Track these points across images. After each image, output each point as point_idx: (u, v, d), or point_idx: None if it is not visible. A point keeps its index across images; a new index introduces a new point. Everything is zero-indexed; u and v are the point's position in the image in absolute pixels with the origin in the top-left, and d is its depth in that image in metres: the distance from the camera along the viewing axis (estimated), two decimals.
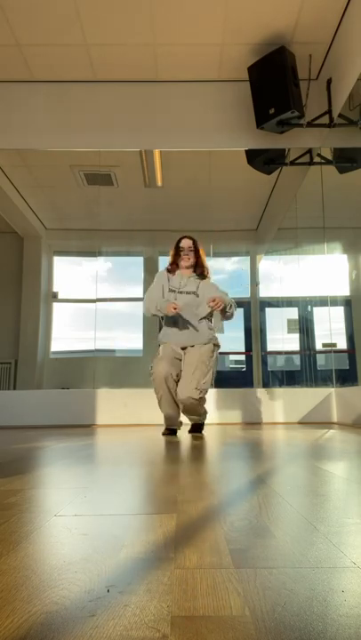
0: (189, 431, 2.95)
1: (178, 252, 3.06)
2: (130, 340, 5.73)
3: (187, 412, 2.87)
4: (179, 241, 3.09)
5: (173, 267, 3.07)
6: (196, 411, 2.84)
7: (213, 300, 2.74)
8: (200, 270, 3.04)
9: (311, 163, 4.37)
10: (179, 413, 2.88)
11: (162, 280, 3.04)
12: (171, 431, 2.88)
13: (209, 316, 2.97)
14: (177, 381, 2.82)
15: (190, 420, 2.97)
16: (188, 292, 2.97)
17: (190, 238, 3.09)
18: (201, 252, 3.09)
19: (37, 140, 4.28)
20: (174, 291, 2.99)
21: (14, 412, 3.96)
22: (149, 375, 2.89)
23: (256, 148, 4.26)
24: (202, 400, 2.78)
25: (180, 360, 2.86)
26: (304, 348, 5.35)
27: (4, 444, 2.46)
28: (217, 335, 3.00)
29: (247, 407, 3.95)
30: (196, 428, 2.96)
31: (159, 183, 4.98)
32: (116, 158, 4.61)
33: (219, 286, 3.07)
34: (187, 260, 3.02)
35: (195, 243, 3.08)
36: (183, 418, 2.92)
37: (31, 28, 3.67)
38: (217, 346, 2.95)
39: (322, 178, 4.32)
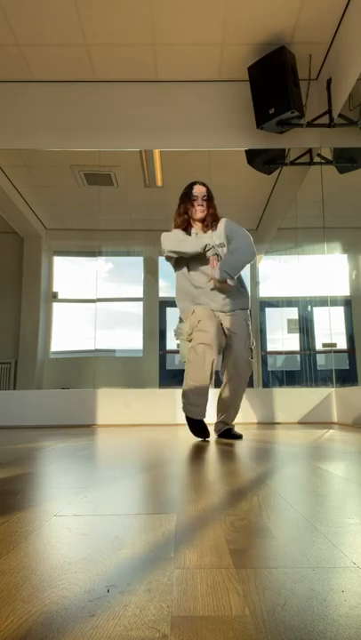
0: (221, 435, 2.57)
1: (190, 200, 2.58)
2: (130, 339, 5.73)
3: (235, 392, 2.54)
4: (190, 187, 2.62)
5: (185, 222, 2.59)
6: (245, 383, 2.56)
7: (213, 278, 2.44)
8: (210, 223, 2.60)
9: (311, 163, 4.37)
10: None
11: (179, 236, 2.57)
12: (202, 427, 2.48)
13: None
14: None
15: (224, 417, 2.59)
16: (218, 247, 2.53)
17: (204, 185, 2.63)
18: (214, 203, 2.65)
19: (37, 140, 4.28)
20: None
21: (14, 412, 3.96)
22: (183, 342, 2.55)
23: (256, 147, 4.26)
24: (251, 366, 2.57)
25: (222, 330, 2.53)
26: (304, 348, 5.35)
27: (3, 444, 2.46)
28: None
29: (247, 407, 3.94)
30: (229, 433, 2.56)
31: (159, 183, 4.98)
32: (116, 158, 4.61)
33: (236, 226, 2.59)
34: (201, 212, 2.57)
35: (209, 190, 2.63)
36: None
37: (31, 28, 3.67)
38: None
39: (322, 178, 4.32)
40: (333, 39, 3.76)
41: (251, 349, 2.58)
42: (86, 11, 3.50)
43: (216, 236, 2.58)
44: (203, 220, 2.63)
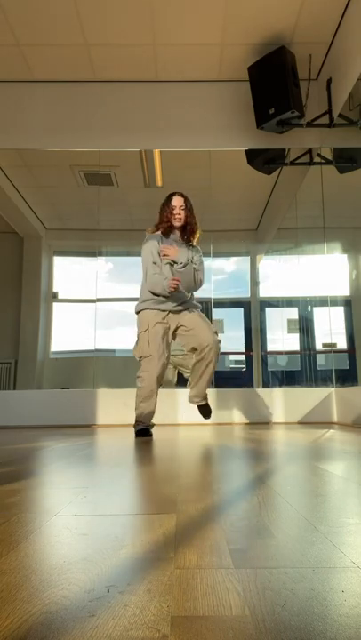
0: (202, 415, 2.99)
1: (169, 209, 2.85)
2: (130, 339, 5.73)
3: (205, 375, 2.83)
4: (169, 198, 2.88)
5: (166, 229, 2.86)
6: (213, 367, 2.83)
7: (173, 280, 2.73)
8: (189, 234, 2.89)
9: (311, 163, 4.37)
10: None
11: (154, 250, 2.86)
12: (146, 431, 2.81)
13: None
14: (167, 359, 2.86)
15: (197, 400, 2.94)
16: (184, 265, 2.86)
17: (182, 195, 2.89)
18: (192, 213, 2.92)
19: (37, 140, 4.28)
20: (172, 264, 2.87)
21: (14, 412, 3.96)
22: (138, 364, 2.85)
23: (256, 147, 4.26)
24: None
25: (169, 332, 2.85)
26: (304, 348, 5.35)
27: (4, 444, 2.46)
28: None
29: (247, 407, 3.95)
30: (207, 411, 2.99)
31: (159, 183, 4.98)
32: (116, 158, 4.61)
33: (200, 256, 2.97)
34: (178, 221, 2.86)
35: (187, 201, 2.89)
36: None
37: (31, 28, 3.67)
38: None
39: (322, 178, 4.33)
40: (333, 39, 3.76)
41: (215, 332, 2.86)
42: (86, 11, 3.50)
43: (192, 253, 2.90)
44: (181, 229, 2.90)
